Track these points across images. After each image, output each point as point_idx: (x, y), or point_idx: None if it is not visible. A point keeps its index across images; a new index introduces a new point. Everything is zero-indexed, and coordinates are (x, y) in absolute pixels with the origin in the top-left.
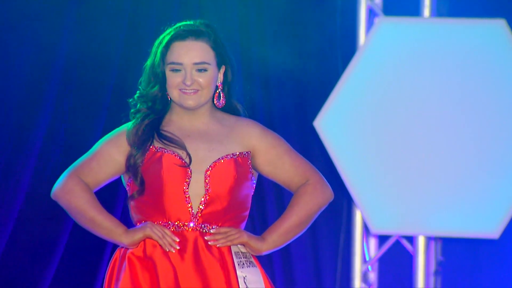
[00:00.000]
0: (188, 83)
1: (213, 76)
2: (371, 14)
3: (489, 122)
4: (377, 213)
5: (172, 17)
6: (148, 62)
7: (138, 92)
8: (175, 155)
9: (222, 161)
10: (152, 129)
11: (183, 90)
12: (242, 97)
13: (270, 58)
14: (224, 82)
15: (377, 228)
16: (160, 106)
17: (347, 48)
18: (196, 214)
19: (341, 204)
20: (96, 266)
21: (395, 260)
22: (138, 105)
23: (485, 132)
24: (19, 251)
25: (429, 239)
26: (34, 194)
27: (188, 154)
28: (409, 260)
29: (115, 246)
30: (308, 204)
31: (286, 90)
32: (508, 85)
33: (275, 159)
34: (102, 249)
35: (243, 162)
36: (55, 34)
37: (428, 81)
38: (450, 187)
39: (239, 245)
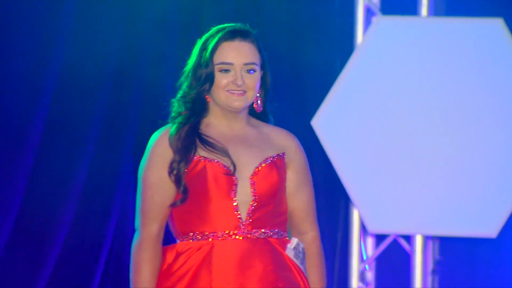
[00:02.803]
0: (240, 83)
1: (259, 79)
2: (369, 13)
3: (487, 122)
4: (374, 212)
5: (171, 19)
6: (191, 63)
7: (180, 92)
8: (219, 164)
9: (264, 165)
10: (193, 134)
11: (231, 91)
12: None
13: (267, 57)
14: (263, 87)
15: (375, 227)
16: (200, 108)
17: (345, 47)
18: (245, 221)
19: (338, 203)
20: (92, 268)
21: (393, 259)
22: (178, 107)
23: (483, 131)
24: (17, 251)
25: (426, 238)
26: (31, 195)
27: (233, 162)
28: (406, 259)
29: (111, 249)
30: (323, 268)
31: (284, 89)
32: (506, 84)
33: (297, 183)
34: (99, 250)
35: (280, 163)
36: (52, 33)
37: (426, 80)
38: (448, 186)
39: (293, 249)
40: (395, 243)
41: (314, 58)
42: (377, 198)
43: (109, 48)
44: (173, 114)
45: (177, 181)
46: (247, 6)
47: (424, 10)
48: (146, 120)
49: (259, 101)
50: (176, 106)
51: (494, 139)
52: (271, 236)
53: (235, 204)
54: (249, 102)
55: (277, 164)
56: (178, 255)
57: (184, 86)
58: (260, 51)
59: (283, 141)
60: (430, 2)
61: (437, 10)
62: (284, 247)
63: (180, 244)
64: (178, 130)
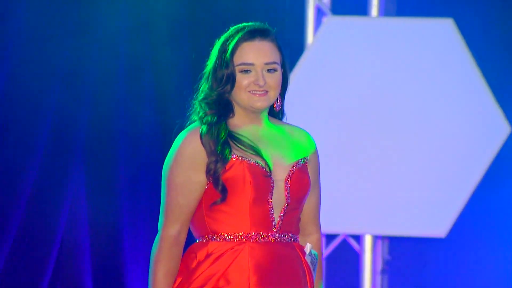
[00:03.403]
0: (262, 83)
1: (280, 78)
2: (319, 13)
3: (437, 121)
4: (324, 212)
5: (121, 19)
6: (210, 65)
7: (202, 94)
8: (257, 165)
9: (296, 168)
10: (226, 134)
11: (253, 92)
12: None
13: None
14: (282, 85)
15: (324, 227)
16: (225, 108)
17: (295, 47)
18: (277, 223)
19: None
20: (43, 264)
21: (342, 259)
22: (201, 108)
23: (432, 131)
24: None
25: (376, 238)
26: None
27: (267, 163)
28: (355, 259)
29: (62, 244)
30: (322, 272)
31: None
32: (456, 83)
33: (311, 184)
34: (49, 246)
35: (307, 166)
36: (3, 34)
37: (376, 80)
38: (397, 186)
39: (309, 255)
40: (344, 242)
41: None
42: (327, 198)
43: (58, 49)
44: (200, 114)
45: (215, 181)
46: (198, 5)
47: (374, 10)
48: (95, 120)
49: (278, 101)
50: (198, 108)
51: (444, 138)
52: (295, 241)
53: (270, 206)
54: (271, 102)
55: (305, 167)
56: (208, 254)
57: (205, 88)
58: (280, 49)
59: (306, 142)
60: (381, 3)
61: (387, 11)
62: (302, 253)
63: (212, 244)
64: (210, 129)
